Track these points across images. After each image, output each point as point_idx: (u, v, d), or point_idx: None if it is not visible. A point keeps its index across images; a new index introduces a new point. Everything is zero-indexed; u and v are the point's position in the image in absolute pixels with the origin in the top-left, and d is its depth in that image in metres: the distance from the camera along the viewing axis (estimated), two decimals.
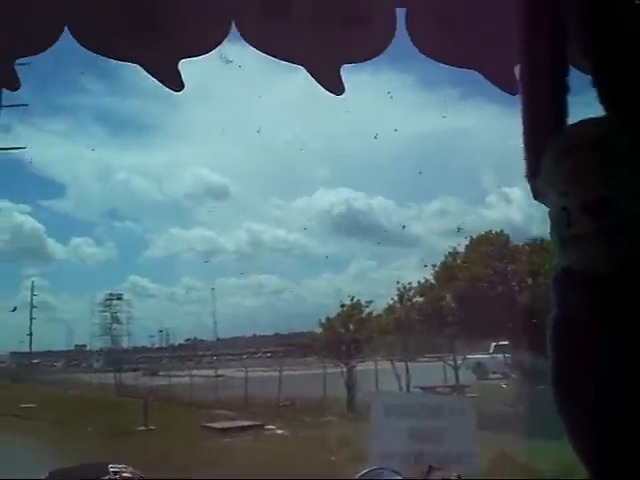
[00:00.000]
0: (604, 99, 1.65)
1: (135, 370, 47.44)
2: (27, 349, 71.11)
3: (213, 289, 61.99)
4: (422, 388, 20.83)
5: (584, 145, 1.57)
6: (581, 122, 1.66)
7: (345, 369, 25.80)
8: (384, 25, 2.14)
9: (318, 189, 73.40)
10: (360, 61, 2.22)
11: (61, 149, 72.47)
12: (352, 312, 27.94)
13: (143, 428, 21.73)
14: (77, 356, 79.95)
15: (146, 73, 1.97)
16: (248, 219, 75.58)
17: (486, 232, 26.38)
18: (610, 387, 1.51)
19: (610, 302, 1.52)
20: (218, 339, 72.01)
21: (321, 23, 2.10)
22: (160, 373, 44.44)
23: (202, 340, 75.63)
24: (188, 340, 78.01)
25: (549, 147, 1.63)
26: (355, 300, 28.35)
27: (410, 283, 27.00)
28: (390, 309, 27.90)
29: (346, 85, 2.22)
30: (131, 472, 1.57)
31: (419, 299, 26.68)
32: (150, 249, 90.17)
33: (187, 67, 2.06)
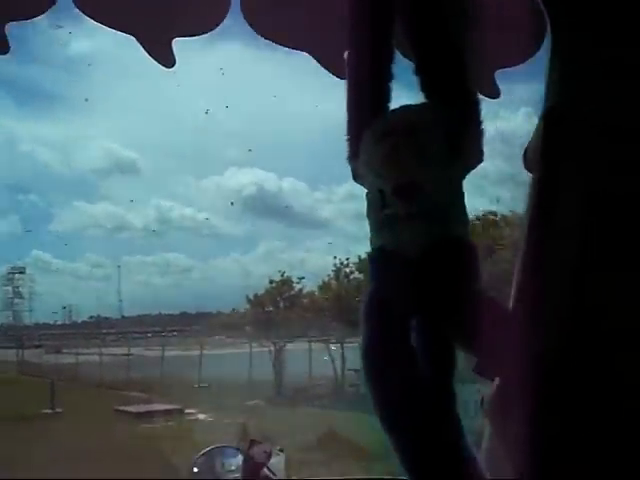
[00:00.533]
0: (424, 87, 1.72)
1: (37, 347, 45.10)
2: None
3: (119, 266, 60.83)
4: (356, 371, 19.62)
5: (400, 130, 1.65)
6: (400, 108, 1.75)
7: (273, 349, 24.34)
8: (219, 0, 2.10)
9: (228, 168, 72.24)
10: (193, 35, 2.19)
11: None
12: (282, 289, 26.39)
13: (49, 411, 19.80)
14: None
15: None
16: (156, 196, 73.01)
17: None
18: (413, 363, 1.61)
19: (416, 282, 1.60)
20: (123, 317, 70.14)
21: None
22: (64, 351, 42.16)
23: (107, 318, 74.00)
24: (92, 317, 76.01)
25: (369, 130, 1.69)
26: (285, 276, 26.76)
27: (348, 258, 25.53)
28: (325, 286, 26.33)
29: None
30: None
31: (358, 275, 24.62)
32: (54, 223, 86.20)
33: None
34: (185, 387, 23.63)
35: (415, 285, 1.60)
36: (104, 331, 65.92)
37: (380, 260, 1.67)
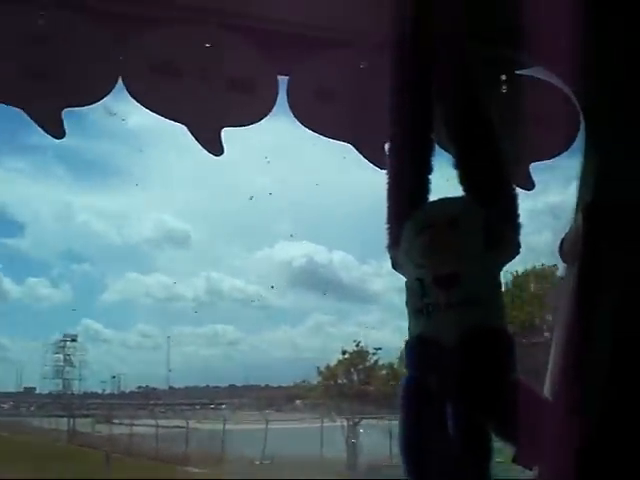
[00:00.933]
0: (462, 180, 1.81)
1: (87, 416, 43.94)
2: None
3: (169, 337, 60.72)
4: None
5: (440, 222, 1.73)
6: (440, 200, 1.84)
7: (346, 424, 22.60)
8: (266, 91, 2.21)
9: (278, 241, 72.32)
10: (241, 125, 2.24)
11: (22, 188, 71.23)
12: (355, 360, 24.84)
13: None
14: (26, 398, 77.07)
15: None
16: (207, 268, 73.66)
17: None
18: (450, 449, 1.62)
19: (453, 370, 1.64)
20: (171, 388, 70.21)
21: (207, 85, 2.16)
22: (115, 421, 40.89)
23: (154, 388, 74.07)
24: (140, 387, 76.45)
25: (409, 221, 1.78)
26: (360, 346, 25.27)
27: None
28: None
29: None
30: None
31: None
32: (106, 293, 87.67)
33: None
34: (247, 464, 22.03)
35: (452, 373, 1.64)
36: (152, 402, 65.45)
37: (418, 347, 1.72)
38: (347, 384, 23.74)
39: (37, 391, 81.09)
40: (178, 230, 74.34)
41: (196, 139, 2.14)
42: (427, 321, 1.68)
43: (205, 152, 2.25)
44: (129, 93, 2.11)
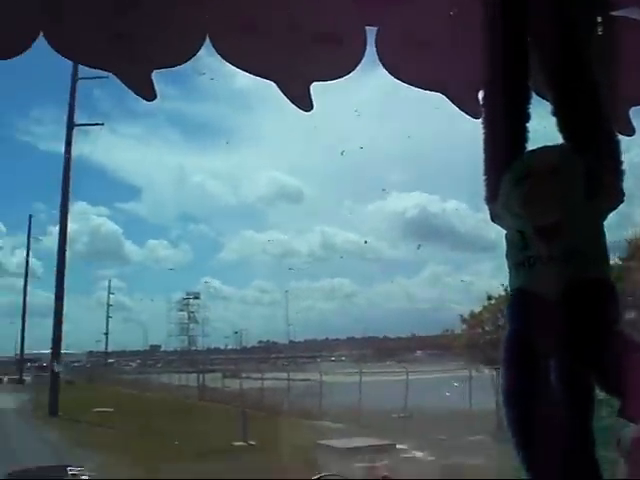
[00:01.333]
0: (562, 128, 1.74)
1: (212, 371, 43.94)
2: (103, 349, 69.91)
3: (287, 292, 60.78)
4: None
5: (541, 171, 1.67)
6: (539, 149, 1.77)
7: (495, 374, 20.81)
8: (354, 44, 2.16)
9: (391, 193, 70.72)
10: (330, 79, 2.21)
11: (136, 153, 72.50)
12: (503, 305, 22.87)
13: (242, 444, 17.41)
14: (152, 356, 79.12)
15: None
16: (321, 222, 74.44)
17: None
18: (559, 405, 1.62)
19: (556, 323, 1.59)
20: (291, 341, 70.43)
21: (294, 40, 2.13)
22: (242, 375, 40.58)
23: (275, 342, 74.83)
24: (261, 342, 77.56)
25: (508, 171, 1.72)
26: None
27: None
28: None
29: None
30: (89, 475, 0.84)
31: None
32: (223, 252, 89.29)
33: None
34: (384, 418, 20.61)
35: (555, 326, 1.59)
36: (274, 356, 65.79)
37: (520, 301, 1.68)
38: (494, 331, 21.77)
39: (162, 348, 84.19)
40: (291, 186, 74.72)
41: (285, 95, 2.13)
42: (529, 274, 1.64)
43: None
44: (216, 51, 2.11)
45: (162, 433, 18.15)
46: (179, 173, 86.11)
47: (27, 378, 48.91)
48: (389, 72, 2.18)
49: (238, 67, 2.12)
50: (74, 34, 2.05)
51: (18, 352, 55.99)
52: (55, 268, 25.14)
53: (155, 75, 2.11)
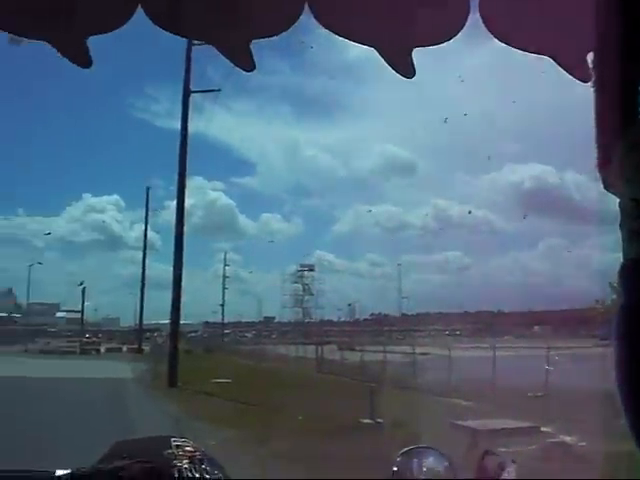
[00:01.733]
0: None
1: (328, 343, 43.11)
2: (219, 320, 70.73)
3: (399, 265, 59.95)
4: None
5: None
6: None
7: None
8: (457, 7, 2.08)
9: (505, 164, 68.14)
10: (432, 44, 2.15)
11: (250, 129, 73.01)
12: None
13: (369, 421, 16.14)
14: (266, 327, 79.56)
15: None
16: (434, 195, 73.38)
17: None
18: None
19: None
20: (403, 315, 69.08)
21: (394, 4, 2.09)
22: (357, 348, 39.51)
23: (387, 315, 74.03)
24: (373, 315, 76.90)
25: (622, 138, 1.62)
26: None
27: None
28: None
29: None
30: (193, 446, 1.40)
31: None
32: (336, 225, 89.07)
33: None
34: (518, 396, 18.87)
35: None
36: (386, 329, 64.59)
37: (634, 272, 1.57)
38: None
39: (276, 320, 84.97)
40: (403, 159, 73.30)
41: (386, 62, 2.08)
42: None
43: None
44: (315, 17, 2.03)
45: (284, 407, 17.11)
46: (292, 147, 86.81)
47: (146, 347, 49.63)
48: (494, 36, 2.07)
49: (337, 33, 2.06)
50: (171, 4, 2.02)
51: (137, 322, 57.38)
52: (173, 241, 24.57)
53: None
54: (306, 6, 2.00)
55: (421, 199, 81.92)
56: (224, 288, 67.03)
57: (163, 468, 1.34)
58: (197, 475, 1.36)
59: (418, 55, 2.10)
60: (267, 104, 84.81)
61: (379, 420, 16.06)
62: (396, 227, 71.58)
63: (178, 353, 24.35)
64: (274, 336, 72.74)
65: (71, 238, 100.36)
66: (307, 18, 2.01)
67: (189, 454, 1.40)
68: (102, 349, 52.88)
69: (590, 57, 1.82)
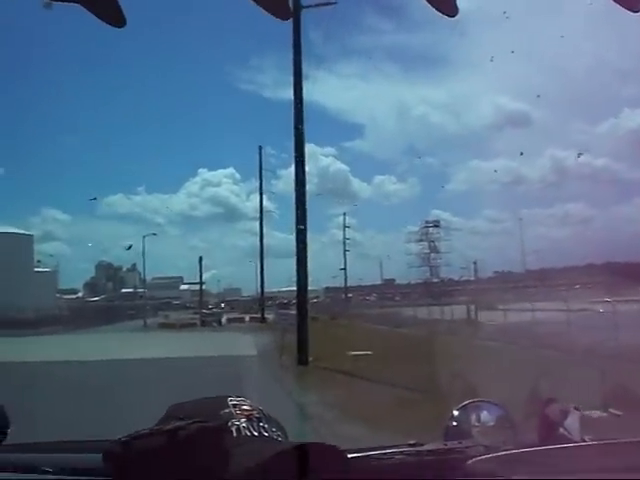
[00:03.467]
0: None
1: (457, 304, 37.84)
2: (338, 284, 67.09)
3: (520, 219, 55.51)
4: None
5: None
6: None
7: None
8: None
9: (623, 109, 60.98)
10: None
11: (357, 91, 70.03)
12: None
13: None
14: (388, 289, 75.64)
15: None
16: (551, 146, 70.43)
17: None
18: None
19: None
20: (527, 271, 66.66)
21: None
22: (499, 307, 34.05)
23: (511, 272, 69.34)
24: (496, 272, 72.49)
25: None
26: None
27: None
28: None
29: None
30: (250, 405, 1.41)
31: None
32: (451, 183, 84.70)
33: None
34: None
35: None
36: (511, 285, 58.99)
37: None
38: None
39: (396, 282, 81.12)
40: (517, 111, 68.47)
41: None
42: None
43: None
44: None
45: (460, 391, 12.00)
46: (401, 107, 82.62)
47: (268, 316, 45.95)
48: None
49: None
50: None
51: (256, 292, 55.14)
52: (294, 206, 20.22)
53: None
54: None
55: (538, 151, 75.86)
56: (345, 251, 62.87)
57: (221, 428, 1.32)
58: (255, 433, 1.34)
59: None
60: (373, 65, 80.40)
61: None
62: (513, 182, 66.71)
63: (307, 325, 19.60)
64: (397, 298, 68.71)
65: (190, 213, 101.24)
66: None
67: (246, 413, 1.39)
68: (224, 319, 49.39)
69: None
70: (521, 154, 72.56)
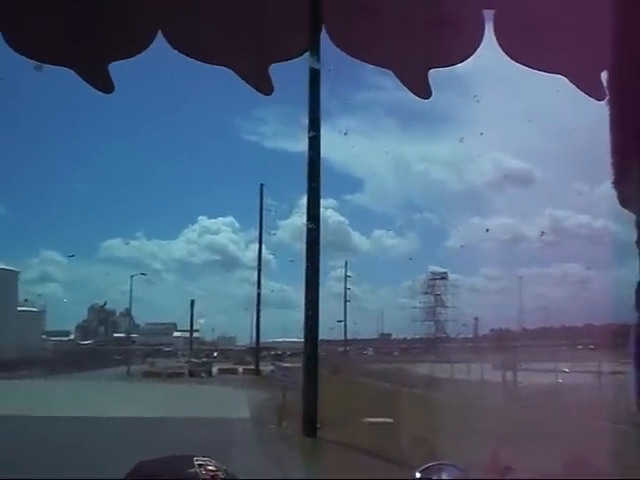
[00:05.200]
0: None
1: (462, 361, 33.38)
2: (333, 337, 63.41)
3: (520, 278, 53.28)
4: None
5: None
6: None
7: None
8: (472, 28, 1.93)
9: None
10: (448, 65, 2.00)
11: (356, 146, 69.20)
12: None
13: None
14: (385, 344, 71.90)
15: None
16: (550, 206, 66.88)
17: None
18: None
19: None
20: (524, 329, 61.27)
21: (410, 26, 1.94)
22: (523, 367, 29.52)
23: (508, 330, 66.23)
24: (493, 330, 69.47)
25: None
26: None
27: None
28: None
29: None
30: (216, 465, 1.37)
31: None
32: (450, 239, 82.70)
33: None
34: None
35: None
36: (511, 344, 55.10)
37: None
38: None
39: (392, 337, 77.26)
40: (518, 170, 67.48)
41: (402, 82, 1.96)
42: None
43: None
44: (331, 39, 1.90)
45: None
46: (401, 163, 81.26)
47: (263, 368, 41.42)
48: (509, 56, 1.91)
49: (354, 56, 1.94)
50: (190, 29, 1.90)
51: (253, 341, 51.46)
52: (305, 257, 16.87)
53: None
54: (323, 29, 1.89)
55: (537, 210, 75.48)
56: (346, 301, 58.97)
57: None
58: None
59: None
60: (371, 121, 79.37)
61: None
62: (512, 239, 66.72)
63: (316, 385, 14.95)
64: (396, 353, 64.44)
65: (188, 259, 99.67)
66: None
67: (211, 473, 1.35)
68: (215, 370, 43.82)
69: (603, 75, 1.74)
70: (521, 213, 71.61)
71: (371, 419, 15.68)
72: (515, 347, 51.85)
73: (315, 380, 15.14)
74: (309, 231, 16.79)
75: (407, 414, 15.06)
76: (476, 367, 28.61)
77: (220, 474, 1.33)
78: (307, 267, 16.49)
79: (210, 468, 1.33)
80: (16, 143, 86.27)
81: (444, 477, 1.81)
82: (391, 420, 15.10)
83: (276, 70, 1.92)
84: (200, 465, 1.34)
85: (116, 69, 1.87)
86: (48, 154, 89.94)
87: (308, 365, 15.40)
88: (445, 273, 64.67)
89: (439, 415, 15.06)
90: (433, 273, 65.40)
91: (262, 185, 45.77)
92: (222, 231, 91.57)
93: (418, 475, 1.82)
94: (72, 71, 1.86)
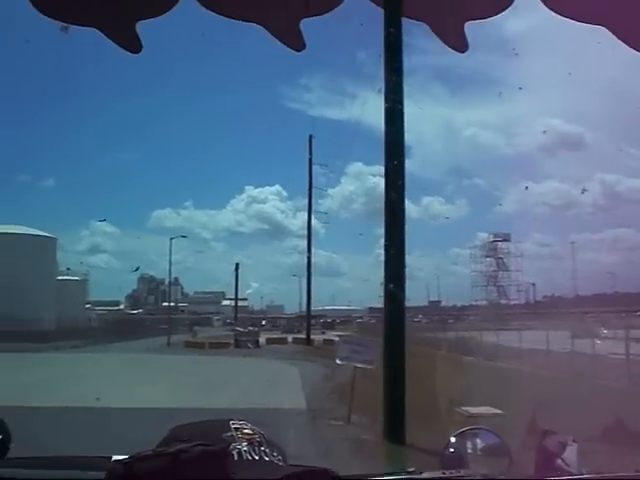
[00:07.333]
0: None
1: (529, 328, 28.56)
2: (381, 305, 59.33)
3: (572, 243, 48.65)
4: None
5: None
6: None
7: None
8: None
9: None
10: (483, 18, 1.95)
11: (407, 111, 64.40)
12: None
13: None
14: (435, 311, 68.57)
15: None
16: (602, 170, 65.96)
17: None
18: None
19: None
20: (578, 296, 59.59)
21: None
22: (598, 334, 24.42)
23: (560, 297, 63.01)
24: (545, 297, 66.09)
25: None
26: None
27: None
28: None
29: None
30: (252, 428, 1.34)
31: None
32: (500, 205, 77.41)
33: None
34: None
35: None
36: (563, 310, 51.19)
37: None
38: None
39: (442, 304, 73.62)
40: (570, 134, 62.27)
41: (437, 36, 1.91)
42: None
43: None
44: None
45: None
46: (448, 128, 76.91)
47: (315, 337, 37.01)
48: (547, 7, 1.84)
49: (388, 9, 1.99)
50: None
51: (300, 309, 50.61)
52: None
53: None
54: None
55: (589, 175, 71.00)
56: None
57: (222, 451, 1.25)
58: (256, 457, 1.28)
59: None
60: (421, 85, 75.20)
61: None
62: (565, 205, 62.73)
63: (404, 372, 10.15)
64: (451, 321, 60.28)
65: (236, 229, 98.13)
66: None
67: (248, 437, 1.32)
68: (262, 339, 38.57)
69: None
70: (572, 178, 67.48)
71: (470, 409, 11.09)
72: (585, 313, 47.75)
73: (402, 366, 10.38)
74: (387, 203, 12.15)
75: (515, 400, 10.21)
76: (554, 335, 23.57)
77: (256, 437, 1.30)
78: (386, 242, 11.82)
79: (246, 431, 1.31)
80: (61, 113, 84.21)
81: (478, 442, 1.74)
82: (499, 411, 10.47)
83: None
84: (237, 429, 1.31)
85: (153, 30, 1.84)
86: (95, 124, 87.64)
87: (391, 344, 10.64)
88: (508, 235, 59.55)
89: (565, 403, 10.15)
90: (495, 235, 60.23)
91: (311, 137, 41.79)
92: (269, 200, 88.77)
93: (453, 440, 1.75)
94: (99, 32, 1.79)
